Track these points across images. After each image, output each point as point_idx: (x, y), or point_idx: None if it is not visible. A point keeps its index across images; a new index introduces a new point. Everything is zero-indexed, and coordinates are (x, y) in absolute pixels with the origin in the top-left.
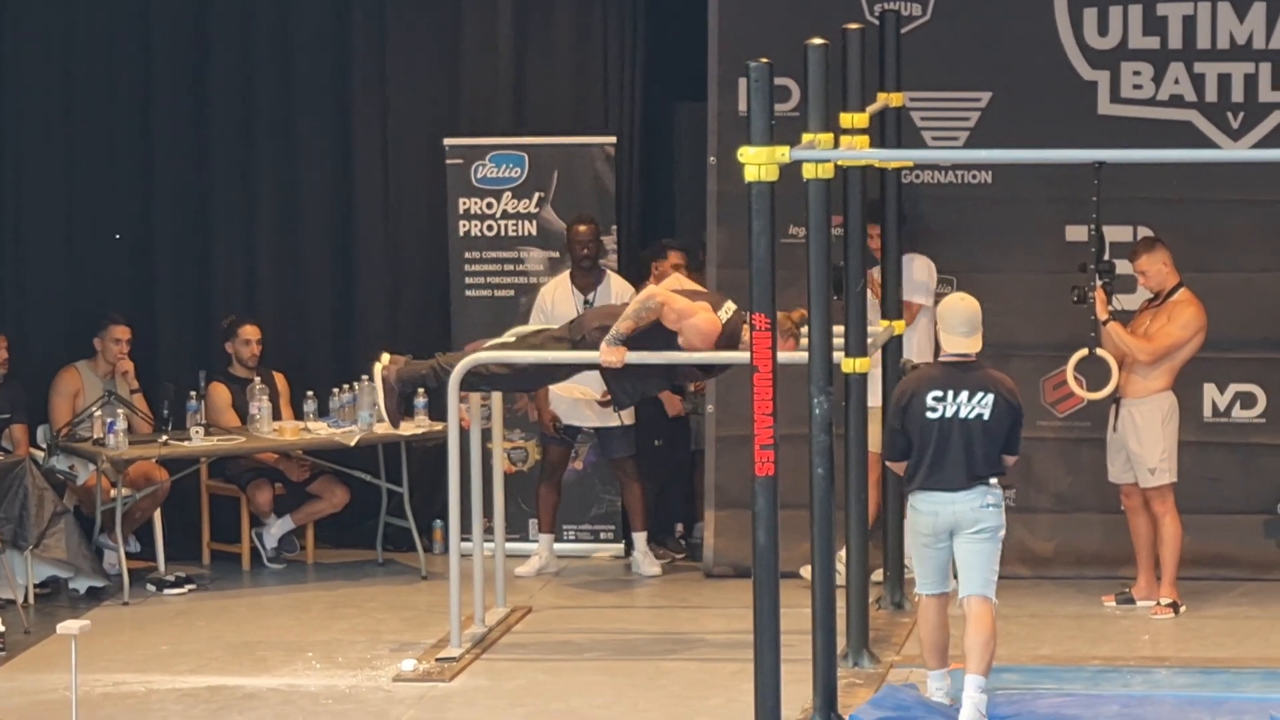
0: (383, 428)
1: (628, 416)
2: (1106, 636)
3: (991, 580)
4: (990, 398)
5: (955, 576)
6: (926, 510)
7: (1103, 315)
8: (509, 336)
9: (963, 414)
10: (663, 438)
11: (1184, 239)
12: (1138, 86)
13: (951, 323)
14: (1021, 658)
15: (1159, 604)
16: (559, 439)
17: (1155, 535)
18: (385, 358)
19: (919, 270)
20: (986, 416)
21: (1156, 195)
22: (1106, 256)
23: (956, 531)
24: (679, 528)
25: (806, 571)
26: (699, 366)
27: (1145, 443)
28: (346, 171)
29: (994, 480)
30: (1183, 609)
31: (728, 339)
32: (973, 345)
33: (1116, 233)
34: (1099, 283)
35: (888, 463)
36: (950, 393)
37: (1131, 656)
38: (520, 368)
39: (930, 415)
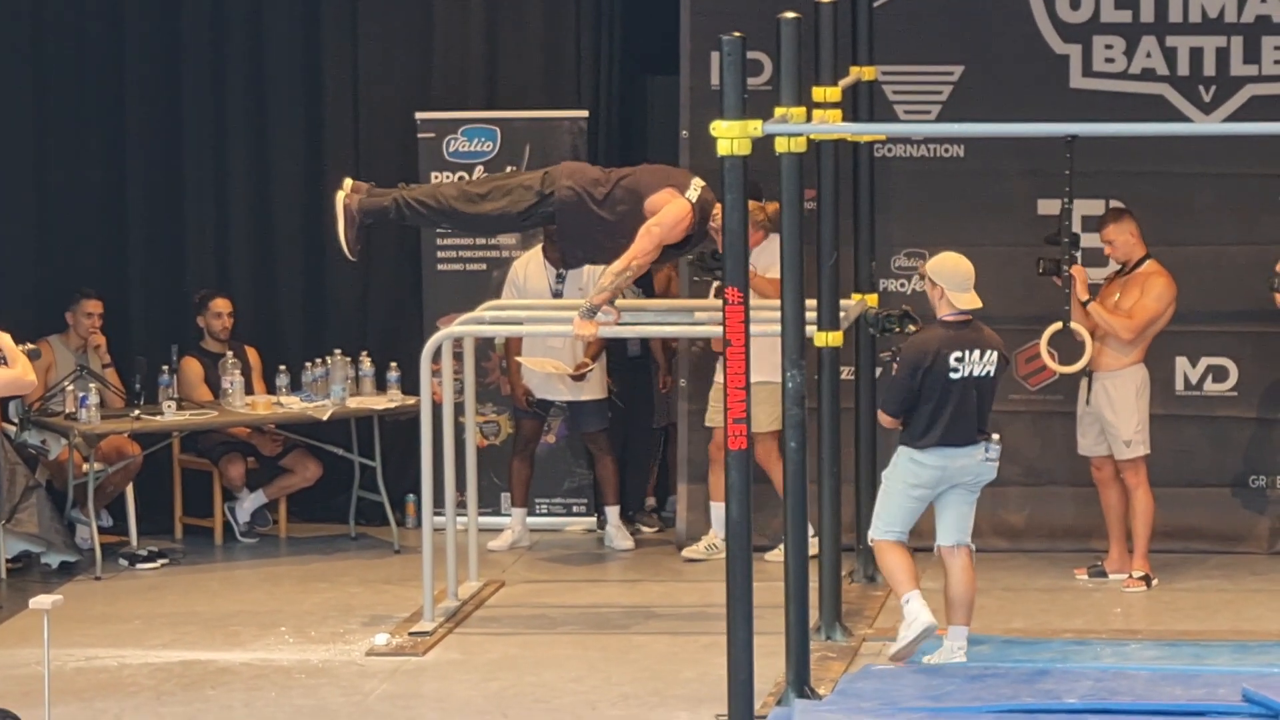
0: (356, 401)
1: (600, 390)
2: (1079, 609)
3: (970, 528)
4: (994, 354)
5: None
6: (934, 464)
7: (1083, 295)
8: (482, 310)
9: (976, 372)
10: (615, 413)
11: (1156, 212)
12: (1110, 60)
13: (957, 280)
14: (994, 630)
15: (1131, 576)
16: (531, 413)
17: (1126, 507)
18: (348, 184)
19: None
20: (992, 373)
21: (1128, 169)
22: (1074, 229)
23: (954, 485)
24: (650, 501)
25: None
26: (672, 246)
27: (1120, 415)
28: (318, 146)
29: (995, 435)
30: (1155, 581)
31: (700, 215)
32: (974, 301)
33: (1088, 206)
34: (1071, 257)
35: (886, 415)
36: (967, 352)
37: (1104, 629)
38: (475, 214)
39: (953, 375)
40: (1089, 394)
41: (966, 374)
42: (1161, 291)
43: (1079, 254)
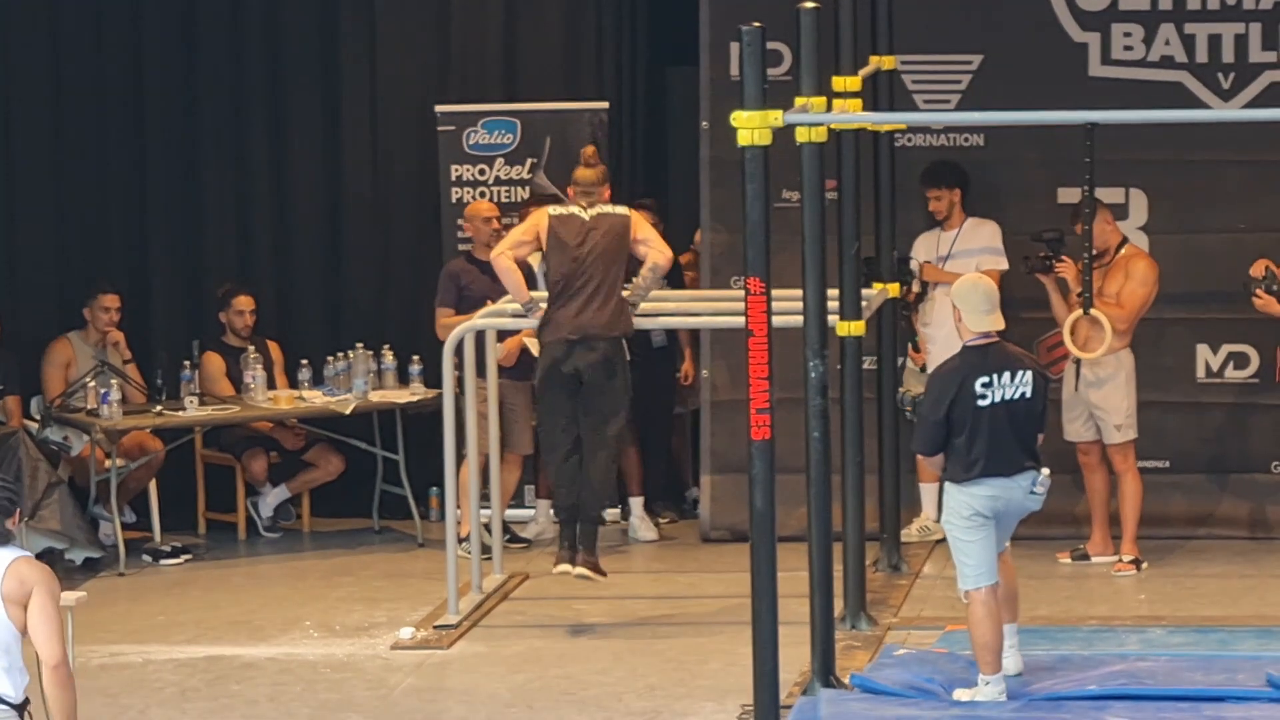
0: (378, 395)
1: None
2: (1103, 597)
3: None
4: (1029, 375)
5: None
6: (988, 494)
7: (1075, 288)
8: (504, 303)
9: (1009, 396)
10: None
11: (1175, 200)
12: (1128, 48)
13: (974, 302)
14: (1018, 619)
15: (1121, 560)
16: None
17: (1110, 491)
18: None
19: (991, 235)
20: (1029, 394)
21: (1147, 157)
22: (1052, 226)
23: (1003, 516)
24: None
25: None
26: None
27: (1112, 400)
28: (337, 139)
29: (1045, 470)
30: (1144, 565)
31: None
32: (998, 322)
33: (1108, 194)
34: (1055, 254)
35: (923, 457)
36: (995, 376)
37: (1128, 616)
38: None
39: (981, 403)
40: (1076, 380)
41: (997, 399)
42: (1145, 275)
43: (1063, 247)
